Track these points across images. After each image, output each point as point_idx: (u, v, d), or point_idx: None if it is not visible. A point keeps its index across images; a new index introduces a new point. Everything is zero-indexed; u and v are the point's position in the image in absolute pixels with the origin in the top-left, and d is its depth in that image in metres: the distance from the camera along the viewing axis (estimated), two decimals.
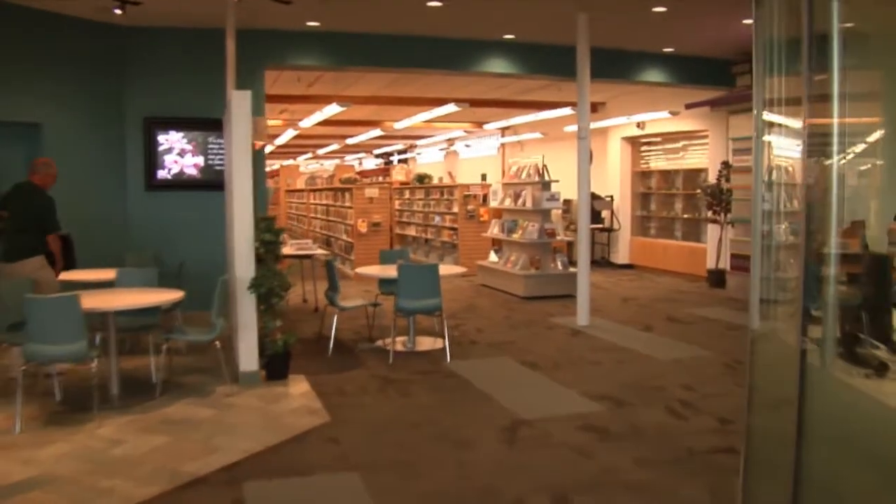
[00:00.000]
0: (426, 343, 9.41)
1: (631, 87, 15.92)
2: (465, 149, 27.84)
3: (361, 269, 9.58)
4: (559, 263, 13.45)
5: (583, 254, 10.76)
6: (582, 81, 10.67)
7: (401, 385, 7.60)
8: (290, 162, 37.89)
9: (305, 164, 40.91)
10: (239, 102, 7.55)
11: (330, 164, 38.23)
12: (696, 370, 8.16)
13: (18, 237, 7.93)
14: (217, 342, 7.41)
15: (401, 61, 12.04)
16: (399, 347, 9.12)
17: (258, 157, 11.32)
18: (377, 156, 36.22)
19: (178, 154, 11.23)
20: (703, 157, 15.81)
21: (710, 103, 13.15)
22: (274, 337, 7.71)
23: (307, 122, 17.61)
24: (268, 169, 37.15)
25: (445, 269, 9.52)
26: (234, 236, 7.59)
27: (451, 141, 28.55)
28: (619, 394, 7.21)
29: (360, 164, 40.05)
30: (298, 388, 7.45)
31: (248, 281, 7.49)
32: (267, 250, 7.75)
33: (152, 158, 11.13)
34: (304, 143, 30.36)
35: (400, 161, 33.59)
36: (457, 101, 15.37)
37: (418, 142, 29.47)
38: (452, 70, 12.40)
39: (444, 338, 8.93)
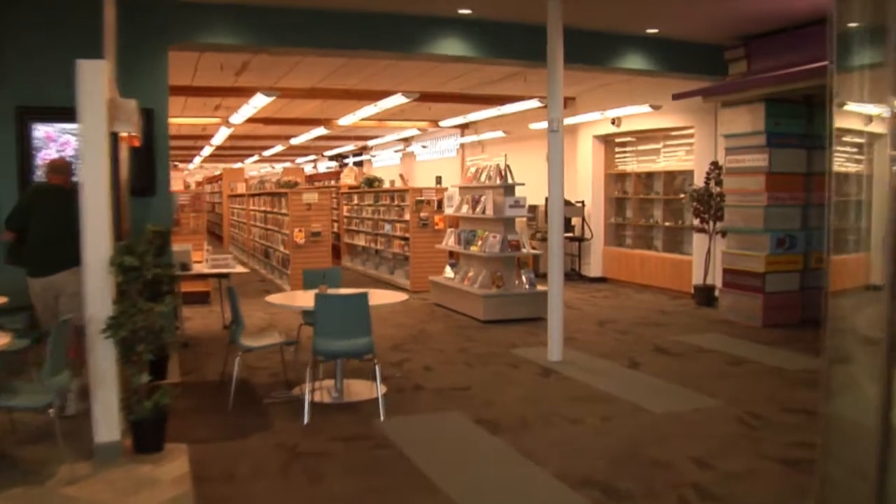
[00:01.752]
0: (359, 389, 7.41)
1: (606, 79, 14.10)
2: (422, 150, 25.87)
3: (272, 298, 7.50)
4: (525, 281, 11.53)
5: (555, 270, 8.83)
6: (554, 65, 8.75)
7: (312, 461, 5.58)
8: (240, 165, 35.75)
9: (258, 167, 38.80)
10: (90, 77, 5.51)
11: (282, 168, 36.17)
12: (704, 431, 6.24)
13: (67, 243, 6.23)
14: (53, 409, 5.32)
15: (335, 41, 10.01)
16: (321, 398, 7.12)
17: (160, 156, 9.30)
18: (330, 158, 34.17)
19: (59, 149, 9.14)
20: (688, 158, 13.98)
21: (704, 93, 11.32)
22: (142, 395, 5.69)
23: (238, 118, 15.53)
24: (218, 172, 35.30)
25: (381, 297, 7.56)
26: (85, 258, 5.55)
27: (406, 142, 26.57)
28: (609, 475, 5.24)
29: (315, 167, 38.03)
30: (173, 468, 5.38)
31: (103, 321, 5.47)
32: (128, 279, 5.71)
33: (26, 154, 9.02)
34: (251, 145, 28.29)
35: (355, 164, 31.58)
36: (406, 92, 13.37)
37: (370, 142, 27.45)
38: (398, 52, 10.40)
39: (380, 384, 6.93)
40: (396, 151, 28.18)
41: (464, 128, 21.63)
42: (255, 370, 8.25)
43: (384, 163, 30.28)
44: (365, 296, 6.49)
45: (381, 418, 6.49)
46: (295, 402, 6.97)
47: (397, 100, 13.46)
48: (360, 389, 7.40)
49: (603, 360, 8.78)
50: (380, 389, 6.78)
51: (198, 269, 9.94)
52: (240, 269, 10.15)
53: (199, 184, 42.23)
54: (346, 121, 17.26)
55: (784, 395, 7.33)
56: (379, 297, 7.47)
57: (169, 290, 7.97)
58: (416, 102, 16.60)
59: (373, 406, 6.71)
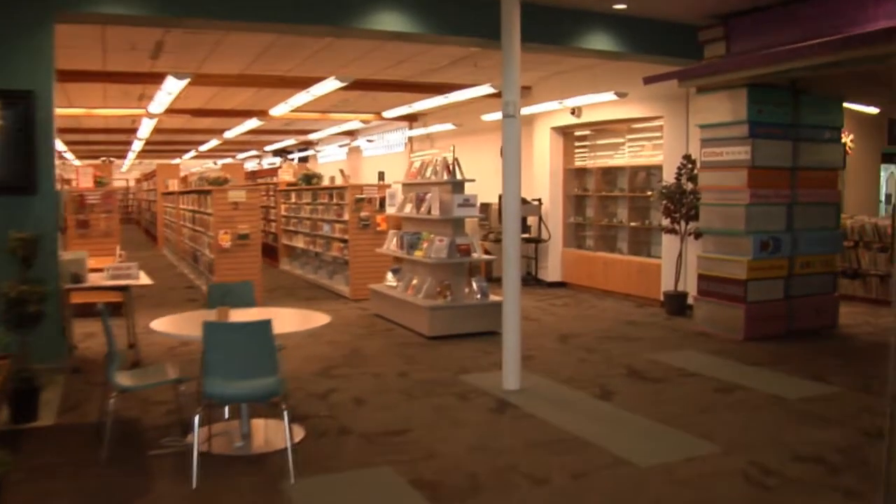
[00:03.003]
0: (272, 435, 5.96)
1: (565, 65, 12.76)
2: (368, 145, 24.32)
3: (158, 324, 5.97)
4: (476, 290, 10.13)
5: (511, 281, 7.44)
6: (509, 40, 7.36)
7: None
8: (177, 161, 33.93)
9: (201, 163, 36.95)
10: None
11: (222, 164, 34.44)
12: (705, 495, 4.87)
13: None
14: None
15: (248, 12, 8.50)
16: (222, 447, 5.66)
17: (42, 147, 7.77)
18: (274, 154, 32.46)
19: None
20: (656, 151, 12.69)
21: (680, 75, 10.00)
22: None
23: (157, 107, 13.93)
24: (153, 168, 33.36)
25: (294, 321, 6.13)
26: None
27: (351, 135, 25.03)
28: None
29: (260, 164, 36.29)
30: None
31: None
32: None
33: None
34: (188, 140, 26.59)
35: (301, 160, 29.93)
36: (340, 75, 11.86)
37: (312, 136, 25.82)
38: (329, 25, 8.89)
39: (292, 435, 5.47)
40: (341, 146, 26.64)
41: (412, 120, 20.20)
42: (149, 406, 6.73)
43: (330, 159, 28.67)
44: (267, 324, 4.99)
45: (292, 479, 5.04)
46: (190, 452, 5.50)
47: (331, 85, 11.97)
48: (274, 435, 5.94)
49: (568, 389, 7.40)
50: (291, 441, 5.30)
51: (95, 280, 8.37)
52: (143, 280, 8.57)
53: (138, 181, 40.40)
54: (280, 111, 15.70)
55: (792, 437, 6.01)
56: (291, 322, 6.03)
57: (37, 311, 6.48)
58: (359, 92, 15.19)
59: (286, 459, 5.25)
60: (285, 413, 5.14)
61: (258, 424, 6.09)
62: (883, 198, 18.25)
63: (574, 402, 6.99)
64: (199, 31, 10.01)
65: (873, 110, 14.14)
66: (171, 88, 11.84)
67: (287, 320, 6.05)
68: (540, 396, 7.14)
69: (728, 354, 8.90)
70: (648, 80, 9.89)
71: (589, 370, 8.14)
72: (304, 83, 13.20)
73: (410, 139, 21.18)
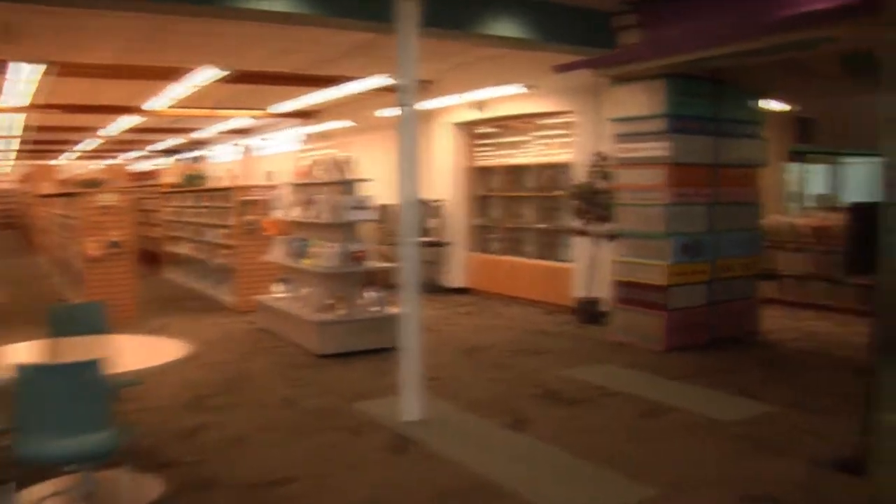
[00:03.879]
0: (123, 491, 4.85)
1: (469, 56, 11.82)
2: (263, 144, 22.92)
3: None
4: (372, 302, 9.12)
5: (410, 295, 6.46)
6: (405, 21, 6.40)
7: None
8: (55, 162, 31.94)
9: (85, 164, 34.92)
10: None
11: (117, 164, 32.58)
12: None
13: None
14: None
15: None
16: None
17: None
18: (165, 154, 30.74)
19: None
20: (567, 148, 11.87)
21: (595, 63, 9.18)
22: None
23: (16, 100, 12.50)
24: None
25: (142, 355, 5.00)
26: None
27: (243, 134, 23.67)
28: None
29: (154, 165, 34.44)
30: None
31: None
32: None
33: None
34: (66, 139, 24.79)
35: (193, 160, 28.36)
36: (218, 63, 10.67)
37: (201, 134, 24.28)
38: (201, 4, 7.78)
39: (157, 475, 4.38)
40: (235, 146, 25.22)
41: (307, 117, 19.03)
42: None
43: (223, 159, 27.14)
44: (93, 365, 3.88)
45: None
46: None
47: (209, 74, 10.77)
48: (128, 491, 4.83)
49: (477, 417, 6.45)
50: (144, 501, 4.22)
51: None
52: None
53: (21, 182, 38.06)
54: (158, 104, 14.36)
55: (737, 471, 5.20)
56: (137, 356, 4.90)
57: None
58: (249, 86, 13.99)
59: None
60: (129, 473, 4.04)
61: (108, 478, 4.96)
62: (804, 195, 18.05)
63: (485, 435, 6.05)
64: (55, 12, 8.75)
65: (782, 107, 13.66)
66: (19, 76, 10.46)
67: (133, 353, 4.93)
68: (445, 428, 6.18)
69: (650, 368, 8.11)
70: (560, 69, 9.05)
71: (499, 391, 7.22)
72: (183, 74, 11.96)
73: (306, 137, 20.00)
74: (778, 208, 14.09)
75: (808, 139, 16.43)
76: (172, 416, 6.51)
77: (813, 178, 20.21)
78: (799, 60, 8.58)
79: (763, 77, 9.36)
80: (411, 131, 6.35)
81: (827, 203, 17.70)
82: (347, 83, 12.57)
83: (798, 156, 17.30)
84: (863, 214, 5.02)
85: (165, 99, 13.44)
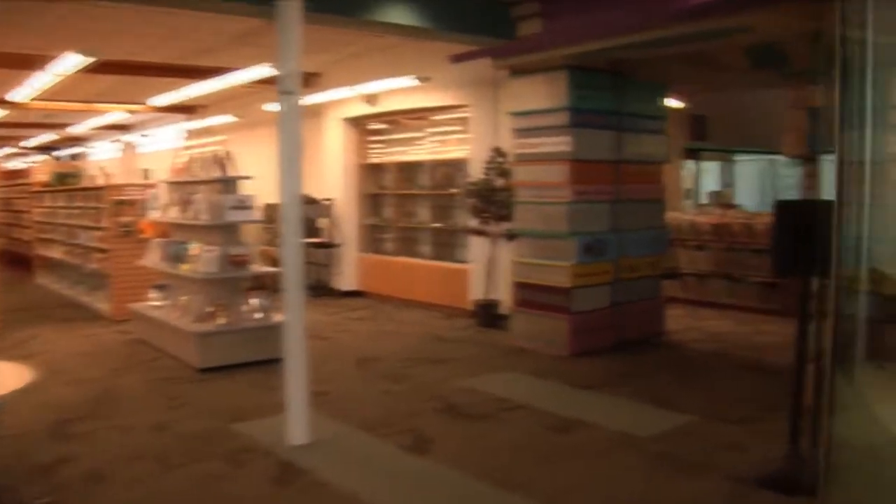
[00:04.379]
0: None
1: (360, 47, 11.18)
2: (145, 141, 21.69)
3: None
4: (257, 309, 8.41)
5: (293, 301, 5.80)
6: (287, 7, 5.74)
7: None
8: None
9: None
10: None
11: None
12: None
13: None
14: None
15: None
16: None
17: None
18: (39, 151, 29.00)
19: None
20: (465, 144, 11.33)
21: (494, 53, 8.67)
22: None
23: None
24: None
25: None
26: None
27: (122, 129, 22.40)
28: None
29: (32, 163, 32.51)
30: None
31: None
32: None
33: None
34: None
35: (72, 158, 26.80)
36: (83, 49, 9.72)
37: (76, 130, 22.82)
38: None
39: None
40: (114, 142, 23.88)
41: (190, 112, 18.02)
42: None
43: (103, 156, 25.66)
44: None
45: None
46: None
47: (74, 61, 9.81)
48: None
49: (373, 438, 5.83)
50: None
51: None
52: None
53: None
54: (21, 95, 13.16)
55: (660, 494, 4.77)
56: None
57: None
58: (124, 78, 13.02)
59: None
60: None
61: None
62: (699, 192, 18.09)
63: (382, 460, 5.44)
64: None
65: (677, 104, 13.46)
66: None
67: None
68: (337, 453, 5.55)
69: (556, 375, 7.65)
70: (456, 59, 8.52)
71: (396, 406, 6.61)
72: (47, 62, 10.94)
73: (190, 133, 18.97)
74: (675, 206, 13.90)
75: (701, 136, 16.37)
76: (30, 445, 5.70)
77: (706, 176, 20.31)
78: (705, 53, 8.27)
79: (667, 70, 9.02)
80: (294, 123, 5.71)
81: (721, 200, 17.70)
82: (230, 74, 11.75)
83: (692, 153, 17.27)
84: (792, 213, 4.61)
85: (29, 89, 12.32)
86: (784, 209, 4.74)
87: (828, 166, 6.52)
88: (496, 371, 7.87)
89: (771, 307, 11.09)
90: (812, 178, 17.68)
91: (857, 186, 3.79)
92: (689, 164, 17.98)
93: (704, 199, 18.79)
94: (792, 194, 22.27)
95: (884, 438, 3.29)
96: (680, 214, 12.52)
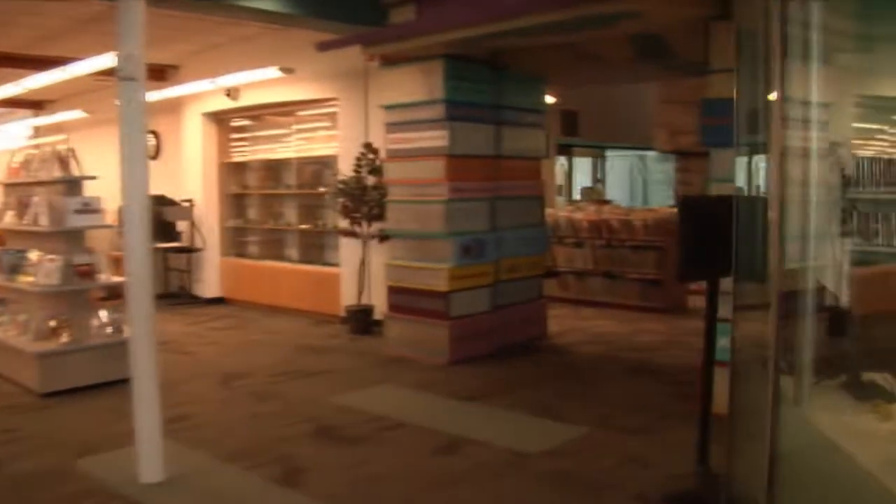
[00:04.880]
0: None
1: (222, 34, 10.40)
2: None
3: None
4: (107, 323, 7.58)
5: (141, 310, 5.08)
6: None
7: None
8: None
9: None
10: None
11: None
12: None
13: None
14: None
15: None
16: None
17: None
18: None
19: None
20: (333, 140, 10.69)
21: (364, 40, 8.07)
22: None
23: None
24: None
25: None
26: None
27: None
28: None
29: None
30: None
31: None
32: None
33: None
34: None
35: None
36: None
37: None
38: None
39: None
40: None
41: (38, 107, 16.72)
42: None
43: None
44: None
45: None
46: None
47: None
48: None
49: (238, 470, 5.15)
50: None
51: None
52: None
53: None
54: None
55: None
56: None
57: None
58: None
59: None
60: None
61: None
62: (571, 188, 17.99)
63: (246, 497, 4.79)
64: None
65: (549, 100, 13.19)
66: None
67: None
68: (197, 491, 4.86)
69: (436, 387, 7.13)
70: (323, 47, 7.88)
71: (265, 431, 5.95)
72: None
73: (35, 130, 17.64)
74: (549, 202, 13.65)
75: (572, 132, 16.20)
76: None
77: (578, 172, 20.26)
78: (588, 44, 7.90)
79: (548, 63, 8.61)
80: (137, 114, 4.95)
81: (593, 196, 17.64)
82: (75, 64, 10.75)
83: (563, 149, 17.14)
84: (699, 211, 4.20)
85: None
86: (690, 207, 4.32)
87: (720, 160, 6.25)
88: (373, 384, 7.30)
89: (652, 305, 10.91)
90: (687, 173, 17.81)
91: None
92: (561, 160, 17.87)
93: (577, 196, 18.74)
94: (662, 189, 22.57)
95: (820, 445, 2.93)
96: (556, 211, 12.23)
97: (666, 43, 7.47)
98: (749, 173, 4.49)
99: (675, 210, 12.70)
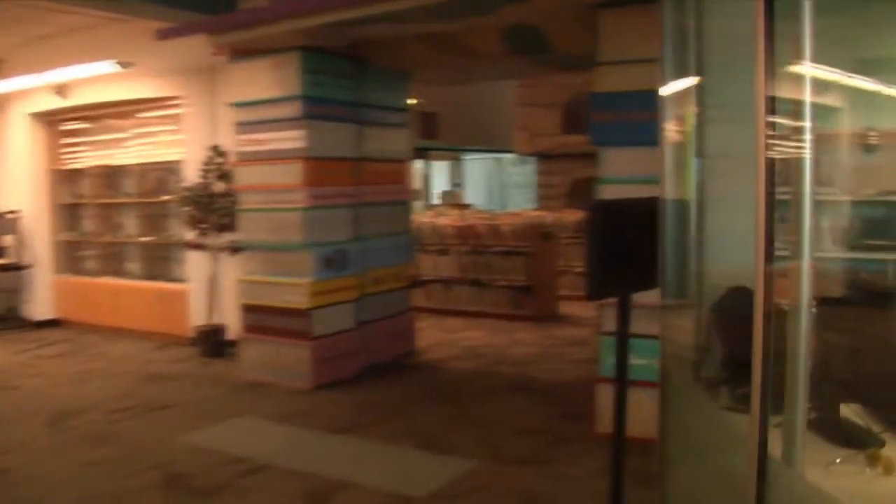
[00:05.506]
0: None
1: (52, 25, 9.26)
2: None
3: None
4: None
5: None
6: None
7: None
8: None
9: None
10: None
11: None
12: None
13: None
14: None
15: None
16: None
17: None
18: None
19: None
20: (179, 143, 9.68)
21: (211, 27, 7.19)
22: None
23: None
24: None
25: None
26: None
27: None
28: None
29: None
30: None
31: None
32: None
33: None
34: None
35: None
36: None
37: None
38: None
39: None
40: None
41: None
42: None
43: None
44: None
45: None
46: None
47: None
48: None
49: None
50: None
51: None
52: None
53: None
54: None
55: None
56: None
57: None
58: None
59: None
60: None
61: None
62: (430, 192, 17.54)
63: None
64: None
65: (409, 101, 12.62)
66: None
67: None
68: None
69: (301, 417, 6.39)
70: (164, 35, 6.96)
71: (100, 485, 5.04)
72: None
73: None
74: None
75: (432, 135, 15.72)
76: None
77: (436, 175, 19.82)
78: (457, 37, 7.29)
79: (414, 57, 7.94)
80: None
81: (453, 201, 17.19)
82: None
83: (420, 152, 16.67)
84: (614, 218, 3.62)
85: None
86: (601, 212, 3.73)
87: (612, 160, 5.75)
88: (229, 417, 6.47)
89: (522, 313, 10.46)
90: (550, 176, 17.52)
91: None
92: (419, 164, 17.40)
93: (435, 200, 18.27)
94: (521, 192, 22.34)
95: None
96: (419, 216, 11.62)
97: (542, 35, 6.94)
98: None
99: (538, 215, 12.38)
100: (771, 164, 2.11)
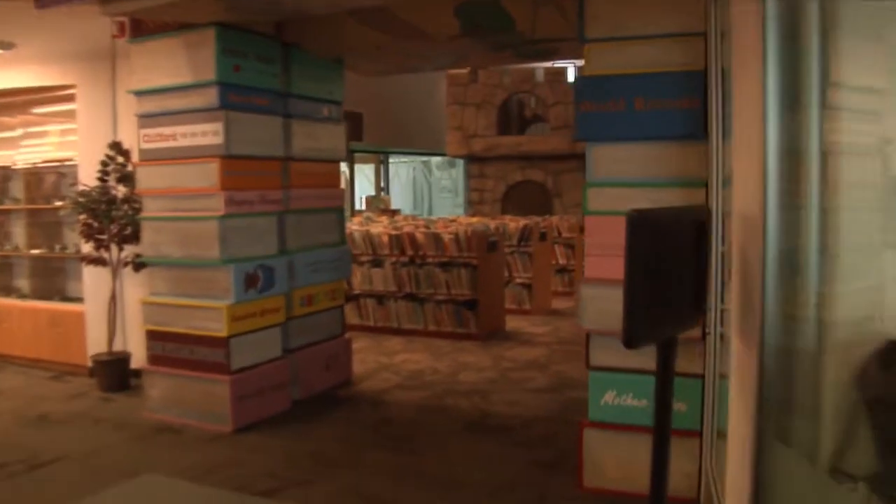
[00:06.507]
0: None
1: None
2: None
3: None
4: None
5: None
6: None
7: None
8: None
9: None
10: None
11: None
12: None
13: None
14: None
15: None
16: None
17: None
18: None
19: None
20: (70, 141, 8.43)
21: None
22: None
23: None
24: None
25: None
26: None
27: None
28: None
29: None
30: None
31: None
32: None
33: None
34: None
35: None
36: None
37: None
38: None
39: None
40: None
41: None
42: None
43: None
44: None
45: None
46: None
47: None
48: None
49: None
50: None
51: None
52: None
53: None
54: None
55: None
56: None
57: None
58: None
59: None
60: None
61: None
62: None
63: None
64: None
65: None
66: None
67: None
68: None
69: (220, 473, 5.20)
70: (44, 3, 5.70)
71: None
72: None
73: None
74: None
75: (357, 136, 14.63)
76: None
77: (359, 179, 18.78)
78: (402, 12, 6.21)
79: (350, 38, 6.81)
80: None
81: (380, 206, 16.13)
82: None
83: (347, 154, 15.57)
84: (651, 232, 2.53)
85: None
86: (644, 226, 2.65)
87: (602, 158, 4.74)
88: (129, 474, 5.23)
89: (467, 331, 9.43)
90: (482, 179, 16.53)
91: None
92: (343, 167, 16.31)
93: (359, 206, 17.24)
94: (449, 197, 21.40)
95: None
96: (348, 225, 10.50)
97: (503, 11, 5.91)
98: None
99: (480, 222, 11.35)
100: None
